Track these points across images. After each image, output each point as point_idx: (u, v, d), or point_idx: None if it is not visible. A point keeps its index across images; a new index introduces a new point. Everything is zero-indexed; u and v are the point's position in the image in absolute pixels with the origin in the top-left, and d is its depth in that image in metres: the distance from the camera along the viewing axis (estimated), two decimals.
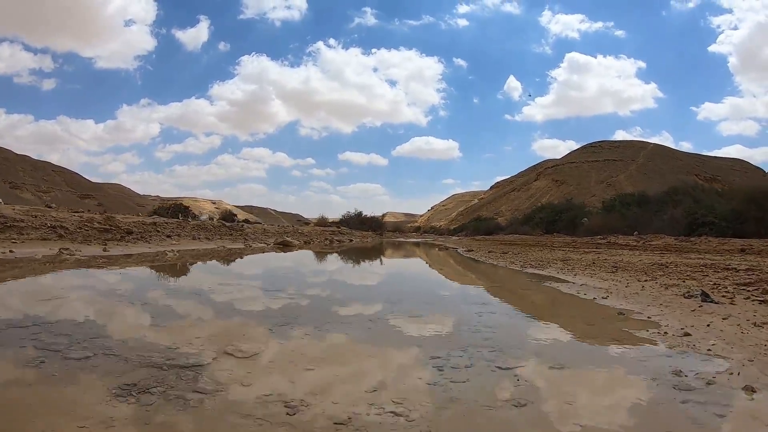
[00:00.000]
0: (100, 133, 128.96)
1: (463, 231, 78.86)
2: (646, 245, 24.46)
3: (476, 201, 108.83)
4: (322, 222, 43.48)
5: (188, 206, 29.66)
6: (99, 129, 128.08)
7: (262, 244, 22.45)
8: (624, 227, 43.58)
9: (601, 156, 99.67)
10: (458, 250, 23.78)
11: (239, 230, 25.51)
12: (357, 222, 48.86)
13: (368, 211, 52.28)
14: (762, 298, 5.75)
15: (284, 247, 22.25)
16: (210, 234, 23.03)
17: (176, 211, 26.31)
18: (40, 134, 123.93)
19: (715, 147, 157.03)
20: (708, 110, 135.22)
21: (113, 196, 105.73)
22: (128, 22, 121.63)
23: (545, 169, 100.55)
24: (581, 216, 54.60)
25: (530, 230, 53.37)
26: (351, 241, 35.68)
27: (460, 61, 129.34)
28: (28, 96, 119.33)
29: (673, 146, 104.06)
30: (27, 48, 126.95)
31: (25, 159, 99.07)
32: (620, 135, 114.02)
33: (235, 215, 34.44)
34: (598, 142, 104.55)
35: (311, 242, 28.66)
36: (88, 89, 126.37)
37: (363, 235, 43.02)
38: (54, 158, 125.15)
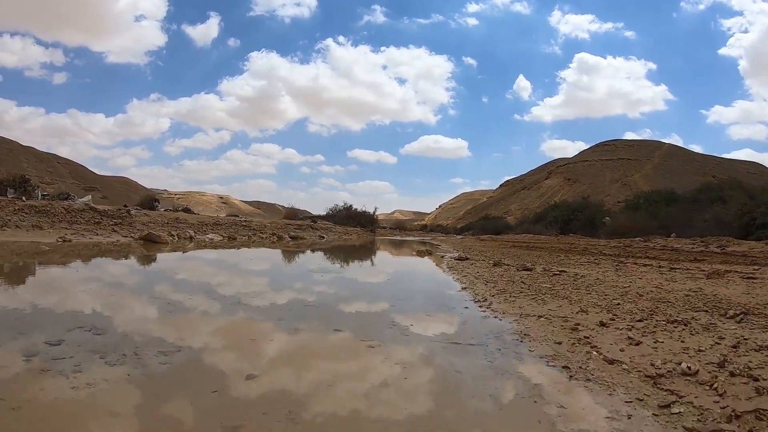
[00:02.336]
0: (110, 127, 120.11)
1: (470, 230, 68.73)
2: (729, 253, 14.16)
3: (485, 200, 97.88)
4: (291, 214, 33.49)
5: (28, 178, 19.64)
6: (109, 123, 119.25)
7: (115, 238, 12.58)
8: (655, 228, 34.22)
9: (615, 155, 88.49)
10: (445, 258, 13.68)
11: (118, 217, 15.73)
12: (344, 216, 38.76)
13: (377, 209, 42.21)
14: None
15: (148, 244, 12.41)
16: (51, 219, 13.18)
17: (5, 185, 16.49)
18: (50, 127, 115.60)
19: (725, 151, 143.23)
20: (718, 113, 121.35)
21: (119, 189, 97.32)
22: (139, 18, 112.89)
23: (557, 167, 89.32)
24: (600, 215, 44.40)
25: (543, 230, 43.09)
26: (323, 238, 25.71)
27: (470, 60, 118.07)
28: (39, 89, 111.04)
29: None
30: (38, 42, 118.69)
31: (29, 150, 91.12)
32: (630, 137, 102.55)
33: (157, 200, 24.78)
34: (612, 140, 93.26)
35: (245, 238, 18.76)
36: (99, 83, 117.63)
37: (347, 231, 33.07)
38: (64, 151, 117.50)
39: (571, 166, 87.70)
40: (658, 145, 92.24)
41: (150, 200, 24.09)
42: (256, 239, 19.62)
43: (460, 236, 50.01)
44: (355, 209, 40.40)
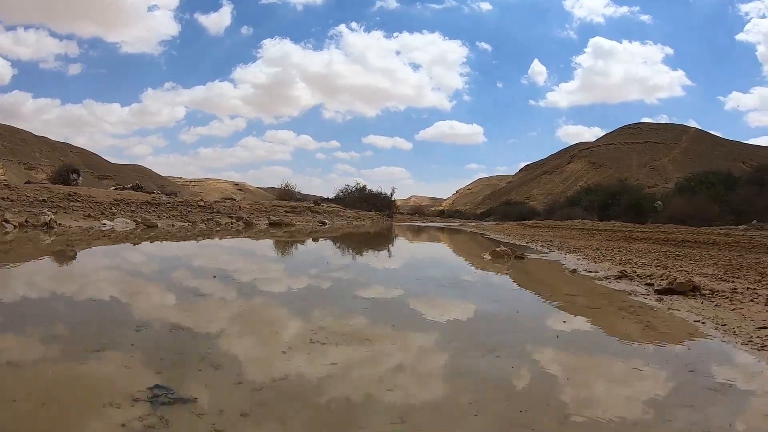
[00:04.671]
0: (125, 116, 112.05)
1: (491, 215, 60.03)
2: None
3: (504, 185, 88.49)
4: (284, 195, 24.82)
5: None
6: (125, 112, 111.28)
7: None
8: (720, 213, 26.49)
9: (640, 138, 78.72)
10: (598, 277, 5.11)
11: None
12: (357, 199, 30.34)
13: (395, 190, 33.60)
14: None
15: None
16: None
17: None
18: (66, 118, 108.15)
19: (743, 138, 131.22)
20: (736, 100, 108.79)
21: (133, 177, 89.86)
22: (152, 8, 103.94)
23: (579, 151, 79.72)
24: (643, 199, 35.66)
25: (585, 215, 34.48)
26: (323, 224, 17.45)
27: (484, 45, 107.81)
28: (55, 81, 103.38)
29: None
30: (52, 34, 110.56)
31: (43, 140, 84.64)
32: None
33: (77, 172, 16.30)
34: (636, 123, 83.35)
35: (187, 225, 10.53)
36: (114, 73, 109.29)
37: (358, 216, 24.71)
38: (81, 141, 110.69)
39: (595, 149, 78.09)
40: (684, 128, 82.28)
41: (66, 170, 15.92)
42: (210, 227, 11.30)
43: (491, 222, 41.00)
44: (370, 190, 31.90)
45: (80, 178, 15.81)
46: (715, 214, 26.55)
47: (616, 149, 76.43)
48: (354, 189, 31.61)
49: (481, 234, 15.94)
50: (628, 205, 34.49)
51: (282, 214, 17.04)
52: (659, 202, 34.60)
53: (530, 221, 30.24)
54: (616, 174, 68.18)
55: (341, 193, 31.83)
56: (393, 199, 32.52)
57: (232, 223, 12.31)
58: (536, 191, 73.14)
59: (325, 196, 34.08)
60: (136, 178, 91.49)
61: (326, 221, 17.91)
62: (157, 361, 2.20)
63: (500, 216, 52.68)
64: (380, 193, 31.79)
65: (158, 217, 11.33)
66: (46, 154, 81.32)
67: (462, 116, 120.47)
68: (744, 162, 67.90)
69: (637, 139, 78.84)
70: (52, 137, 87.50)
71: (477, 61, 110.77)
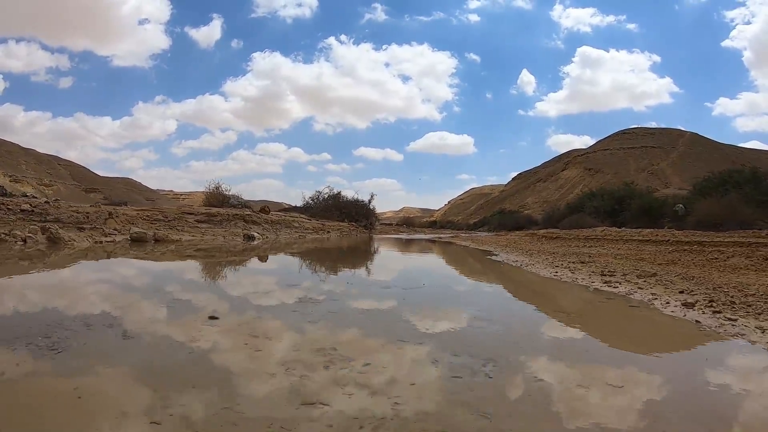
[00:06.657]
0: (116, 130, 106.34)
1: (485, 225, 54.73)
2: None
3: (497, 194, 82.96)
4: (214, 200, 18.03)
5: None
6: (116, 126, 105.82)
7: None
8: (764, 216, 21.02)
9: (637, 143, 73.67)
10: None
11: None
12: (328, 207, 24.78)
13: (384, 207, 28.37)
14: None
15: None
16: None
17: None
18: (58, 131, 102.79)
19: (732, 143, 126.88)
20: (723, 106, 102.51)
21: (121, 191, 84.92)
22: (142, 21, 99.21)
23: (574, 157, 74.45)
24: (656, 203, 29.84)
25: (595, 222, 28.88)
26: (251, 240, 11.96)
27: (473, 56, 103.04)
28: (46, 94, 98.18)
29: None
30: (44, 47, 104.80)
31: (29, 152, 79.53)
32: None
33: None
34: (631, 128, 78.47)
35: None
36: (105, 87, 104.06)
37: (322, 227, 19.17)
38: (72, 155, 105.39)
39: (591, 155, 72.80)
40: (680, 133, 77.34)
41: None
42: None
43: (486, 232, 35.47)
44: (345, 197, 26.29)
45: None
46: (751, 217, 21.25)
47: (612, 155, 71.22)
48: (327, 196, 26.01)
49: (485, 253, 10.27)
50: (640, 209, 28.85)
51: (191, 225, 11.48)
52: (680, 205, 28.86)
53: (541, 231, 24.54)
54: (614, 179, 62.73)
55: (312, 201, 26.24)
56: (372, 207, 26.87)
57: (25, 240, 6.86)
58: (531, 199, 67.68)
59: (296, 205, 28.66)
60: (126, 191, 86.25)
61: (256, 234, 12.34)
62: None
63: (495, 226, 47.43)
64: (357, 201, 26.18)
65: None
66: (32, 167, 76.19)
67: (452, 127, 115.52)
68: (743, 165, 62.66)
69: (632, 144, 73.84)
70: (43, 150, 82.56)
71: (466, 72, 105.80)
